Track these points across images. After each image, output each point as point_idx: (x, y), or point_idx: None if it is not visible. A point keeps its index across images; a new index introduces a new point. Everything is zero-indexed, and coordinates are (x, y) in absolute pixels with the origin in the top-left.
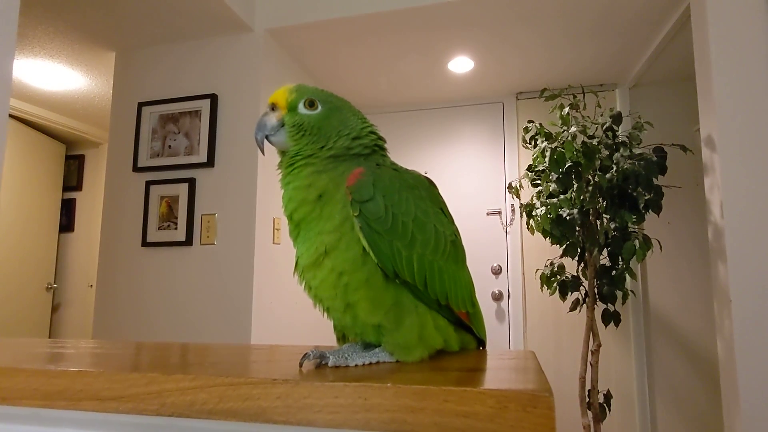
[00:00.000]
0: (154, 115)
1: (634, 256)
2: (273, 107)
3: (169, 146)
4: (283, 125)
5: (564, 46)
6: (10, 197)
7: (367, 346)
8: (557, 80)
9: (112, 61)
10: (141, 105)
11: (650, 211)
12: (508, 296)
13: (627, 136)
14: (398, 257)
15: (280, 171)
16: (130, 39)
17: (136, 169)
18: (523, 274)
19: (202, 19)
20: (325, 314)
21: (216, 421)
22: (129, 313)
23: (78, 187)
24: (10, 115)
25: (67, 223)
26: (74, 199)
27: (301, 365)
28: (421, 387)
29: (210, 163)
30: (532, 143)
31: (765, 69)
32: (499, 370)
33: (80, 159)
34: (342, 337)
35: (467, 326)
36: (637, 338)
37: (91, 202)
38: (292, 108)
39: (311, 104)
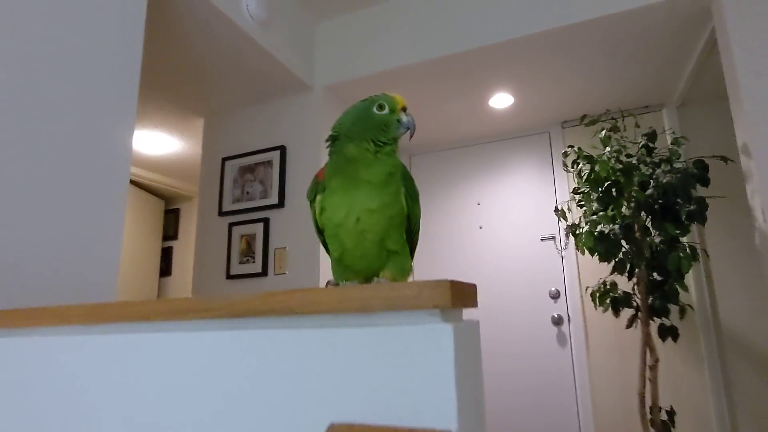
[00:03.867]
0: (234, 167)
1: (689, 270)
2: (405, 109)
3: (247, 192)
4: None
5: (601, 72)
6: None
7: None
8: (601, 105)
9: (201, 125)
10: (224, 159)
11: (695, 222)
12: (569, 320)
13: (668, 152)
14: (413, 211)
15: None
16: (215, 106)
17: (221, 213)
18: (582, 297)
19: (270, 83)
20: (349, 255)
21: (263, 318)
22: None
23: (174, 236)
24: None
25: (165, 268)
26: (171, 247)
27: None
28: (379, 286)
29: (281, 204)
30: (574, 167)
31: None
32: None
33: (176, 212)
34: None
35: None
36: (710, 354)
37: (185, 248)
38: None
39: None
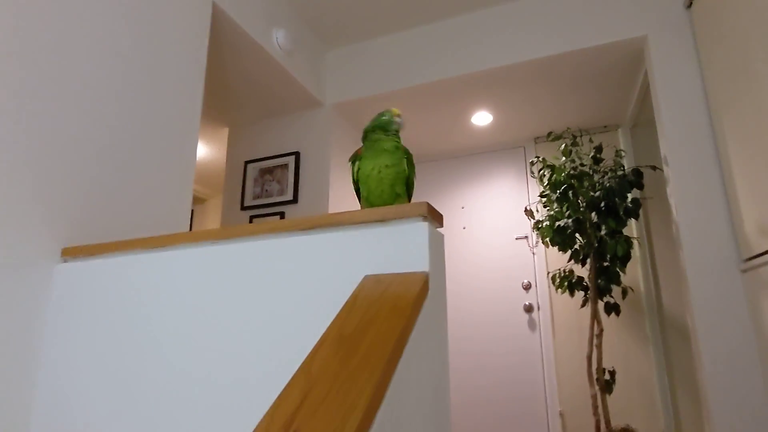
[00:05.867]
0: (255, 169)
1: (623, 254)
2: (399, 115)
3: (266, 190)
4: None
5: (567, 97)
6: None
7: None
8: (568, 125)
9: (226, 134)
10: (246, 163)
11: (631, 218)
12: (538, 308)
13: (613, 162)
14: (411, 172)
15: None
16: (239, 118)
17: (243, 207)
18: (549, 287)
19: (288, 100)
20: (373, 195)
21: (324, 228)
22: None
23: None
24: None
25: None
26: None
27: None
28: (391, 207)
29: (295, 200)
30: (539, 174)
31: (695, 113)
32: None
33: (191, 213)
34: None
35: None
36: (653, 329)
37: None
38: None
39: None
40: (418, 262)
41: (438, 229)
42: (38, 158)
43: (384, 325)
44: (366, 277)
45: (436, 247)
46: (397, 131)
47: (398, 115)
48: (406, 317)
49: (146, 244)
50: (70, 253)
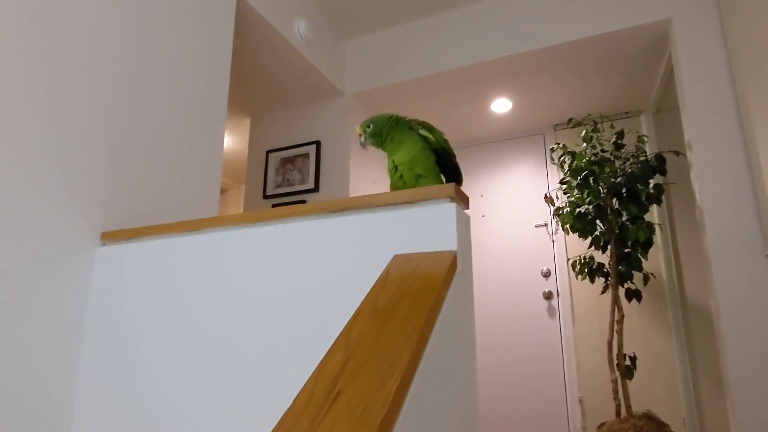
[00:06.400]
0: (277, 158)
1: (644, 239)
2: (359, 134)
3: (287, 179)
4: (365, 139)
5: (588, 83)
6: None
7: None
8: (588, 111)
9: (247, 124)
10: (268, 152)
11: (653, 203)
12: (558, 295)
13: (635, 148)
14: (436, 144)
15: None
16: (261, 107)
17: (265, 196)
18: (569, 274)
19: (310, 89)
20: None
21: (356, 210)
22: None
23: None
24: None
25: None
26: None
27: None
28: (419, 189)
29: (316, 188)
30: (560, 161)
31: (720, 97)
32: None
33: None
34: None
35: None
36: (675, 316)
37: None
38: (364, 132)
39: (368, 127)
40: (446, 242)
41: (465, 210)
42: (79, 151)
43: (416, 298)
44: (396, 256)
45: (463, 227)
46: (398, 125)
47: (359, 134)
48: (436, 292)
49: (183, 227)
50: (110, 237)
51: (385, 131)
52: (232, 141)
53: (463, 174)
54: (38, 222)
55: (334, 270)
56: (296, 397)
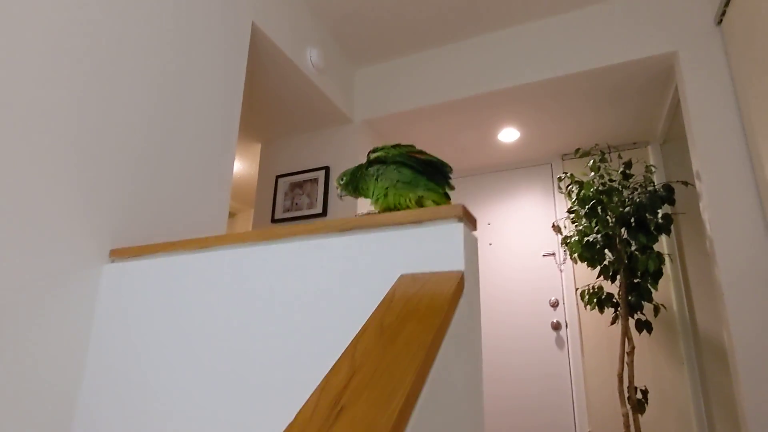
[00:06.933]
0: (286, 183)
1: (654, 269)
2: (337, 186)
3: (296, 203)
4: (341, 192)
5: (595, 113)
6: None
7: None
8: (595, 141)
9: (258, 149)
10: (278, 177)
11: (662, 233)
12: (566, 325)
13: (643, 178)
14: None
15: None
16: (271, 133)
17: (273, 220)
18: (577, 305)
19: (320, 116)
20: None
21: (364, 229)
22: None
23: None
24: None
25: None
26: None
27: None
28: (427, 209)
29: (324, 213)
30: (567, 190)
31: (727, 128)
32: None
33: None
34: None
35: None
36: (687, 349)
37: None
38: (338, 184)
39: (341, 179)
40: (454, 262)
41: (472, 232)
42: (89, 170)
43: (422, 318)
44: (402, 276)
45: (471, 247)
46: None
47: (336, 187)
48: (443, 311)
49: (190, 245)
50: (118, 254)
51: (357, 179)
52: (243, 165)
53: (470, 202)
54: (51, 237)
55: (341, 288)
56: (299, 411)
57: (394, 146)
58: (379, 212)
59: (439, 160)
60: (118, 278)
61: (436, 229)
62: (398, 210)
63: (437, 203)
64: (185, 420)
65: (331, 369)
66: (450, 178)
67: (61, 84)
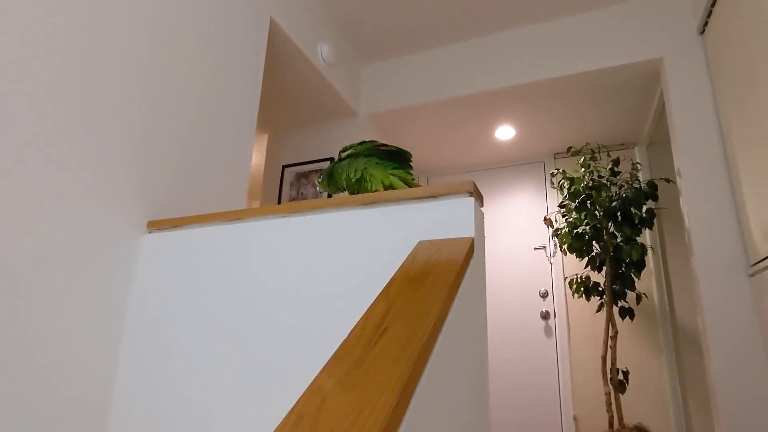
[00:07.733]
0: (292, 173)
1: (638, 258)
2: (317, 185)
3: (302, 193)
4: (320, 189)
5: (586, 114)
6: None
7: None
8: (587, 141)
9: (265, 140)
10: (284, 167)
11: (645, 227)
12: (554, 315)
13: (629, 175)
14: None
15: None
16: (279, 125)
17: None
18: (565, 296)
19: (327, 109)
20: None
21: (384, 202)
22: None
23: None
24: None
25: None
26: None
27: None
28: (441, 184)
29: None
30: (559, 185)
31: (707, 130)
32: None
33: None
34: None
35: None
36: (665, 334)
37: None
38: (318, 184)
39: (319, 178)
40: (465, 230)
41: (480, 207)
42: (128, 150)
43: (442, 270)
44: (421, 242)
45: (479, 218)
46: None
47: (317, 185)
48: (459, 266)
49: (226, 216)
50: (155, 225)
51: (332, 172)
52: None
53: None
54: (91, 209)
55: (367, 254)
56: (349, 334)
57: (361, 143)
58: (349, 194)
59: (400, 149)
60: (156, 248)
61: (450, 202)
62: (366, 188)
63: (404, 181)
64: (227, 396)
65: (370, 306)
66: (411, 162)
67: (130, 75)
